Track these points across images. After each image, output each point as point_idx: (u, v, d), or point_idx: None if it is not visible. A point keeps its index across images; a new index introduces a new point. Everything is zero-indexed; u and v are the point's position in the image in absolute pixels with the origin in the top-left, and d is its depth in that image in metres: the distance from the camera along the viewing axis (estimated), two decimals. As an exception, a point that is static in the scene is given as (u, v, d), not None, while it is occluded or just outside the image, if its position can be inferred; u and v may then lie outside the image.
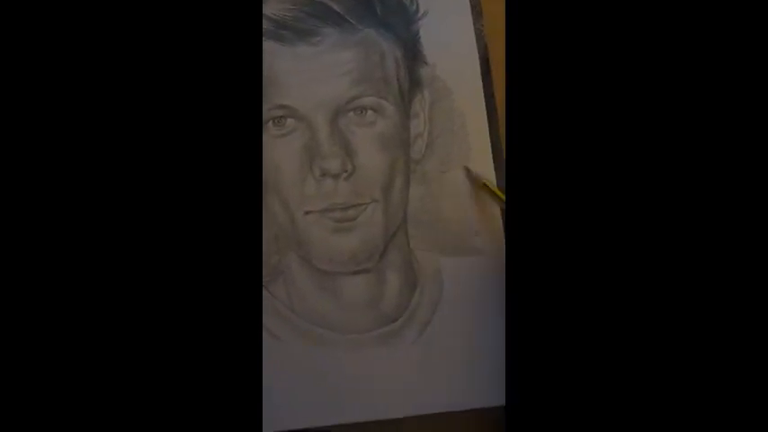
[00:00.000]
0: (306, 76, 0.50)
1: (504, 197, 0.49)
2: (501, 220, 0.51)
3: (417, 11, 0.53)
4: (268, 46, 0.51)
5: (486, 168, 0.52)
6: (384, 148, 0.50)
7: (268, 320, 0.50)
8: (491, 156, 0.52)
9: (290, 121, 0.50)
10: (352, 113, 0.50)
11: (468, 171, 0.52)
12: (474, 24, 0.54)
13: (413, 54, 0.53)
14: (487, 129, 0.52)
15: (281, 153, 0.50)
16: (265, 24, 0.51)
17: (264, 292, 0.50)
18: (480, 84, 0.53)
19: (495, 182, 0.51)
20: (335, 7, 0.51)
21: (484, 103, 0.52)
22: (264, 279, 0.50)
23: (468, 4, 0.54)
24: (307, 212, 0.50)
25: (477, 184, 0.51)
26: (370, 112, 0.50)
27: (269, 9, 0.51)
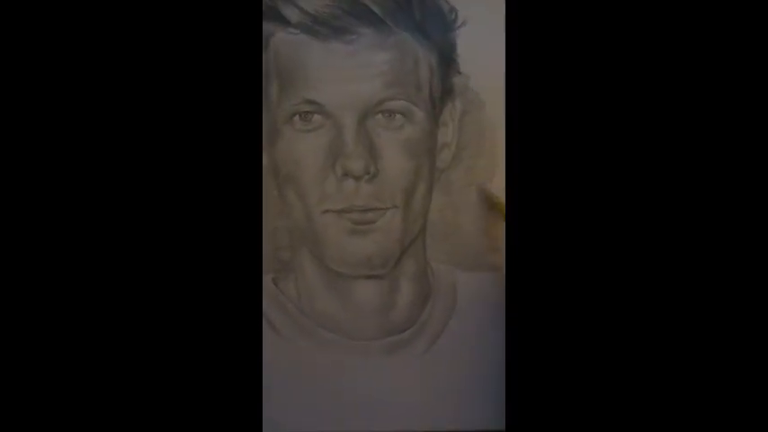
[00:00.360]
0: (337, 73, 0.49)
1: None
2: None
3: (456, 20, 0.52)
4: (301, 39, 0.50)
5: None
6: (409, 153, 0.49)
7: (274, 317, 0.48)
8: (518, 172, 0.51)
9: (316, 117, 0.49)
10: (380, 116, 0.49)
11: (482, 190, 0.50)
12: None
13: (447, 62, 0.51)
14: (517, 144, 0.51)
15: (304, 148, 0.49)
16: (300, 18, 0.50)
17: (273, 288, 0.49)
18: (514, 98, 0.52)
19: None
20: (374, 8, 0.50)
21: (515, 119, 0.51)
22: (274, 274, 0.49)
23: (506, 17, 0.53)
24: (325, 211, 0.49)
25: (489, 202, 0.50)
26: (398, 116, 0.49)
27: (306, 3, 0.50)
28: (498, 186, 0.49)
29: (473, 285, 0.50)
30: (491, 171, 0.51)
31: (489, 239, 0.50)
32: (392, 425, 0.47)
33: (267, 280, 0.49)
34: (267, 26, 0.51)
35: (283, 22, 0.51)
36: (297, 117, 0.49)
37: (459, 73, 0.52)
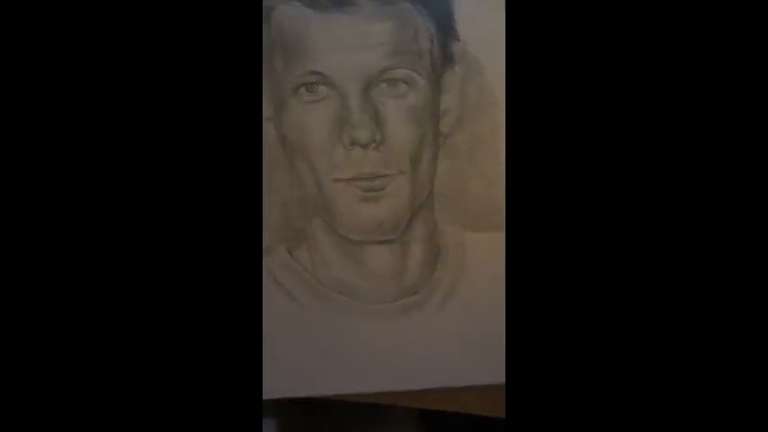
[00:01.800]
0: (340, 44, 0.50)
1: None
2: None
3: (453, -12, 0.53)
4: (302, 11, 0.51)
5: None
6: (414, 120, 0.50)
7: (290, 285, 0.50)
8: (520, 134, 0.52)
9: (321, 88, 0.50)
10: (384, 85, 0.50)
11: None
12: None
13: (446, 30, 0.52)
14: (518, 107, 0.52)
15: (311, 119, 0.50)
16: (301, -10, 0.51)
17: (287, 257, 0.50)
18: (512, 62, 0.53)
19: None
20: None
21: (515, 82, 0.52)
22: (288, 243, 0.50)
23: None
24: (335, 180, 0.50)
25: None
26: (402, 84, 0.50)
27: None
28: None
29: (481, 245, 0.51)
30: (494, 133, 0.52)
31: (495, 200, 0.51)
32: (407, 384, 0.49)
33: (281, 249, 0.50)
34: (267, 1, 0.52)
35: (284, -5, 0.52)
36: (303, 88, 0.50)
37: (458, 40, 0.53)
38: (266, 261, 0.49)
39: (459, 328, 0.50)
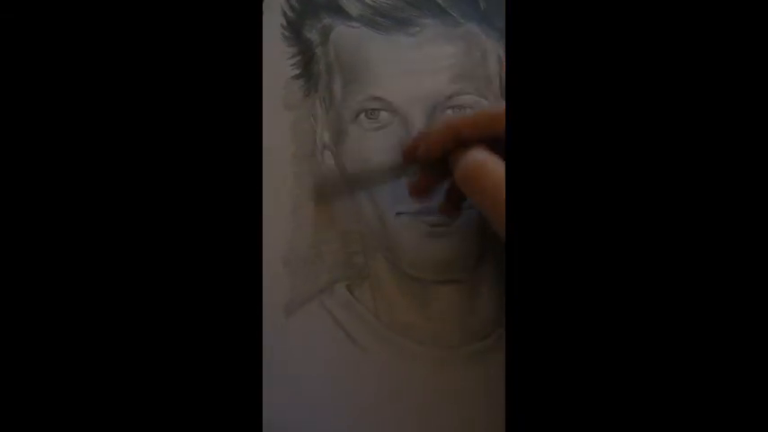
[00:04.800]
0: (402, 67, 0.47)
1: None
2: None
3: (521, 8, 0.50)
4: (363, 32, 0.48)
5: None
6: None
7: (350, 327, 0.46)
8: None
9: (383, 114, 0.47)
10: (450, 111, 0.47)
11: None
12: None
13: (515, 53, 0.49)
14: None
15: (372, 147, 0.47)
16: (361, 10, 0.48)
17: (348, 296, 0.46)
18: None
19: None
20: None
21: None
22: (348, 281, 0.46)
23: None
24: (398, 213, 0.46)
25: None
26: (469, 111, 0.47)
27: None
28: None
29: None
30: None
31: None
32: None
33: (341, 287, 0.46)
34: (326, 20, 0.49)
35: (343, 15, 0.49)
36: (363, 115, 0.47)
37: (529, 63, 0.50)
38: (324, 299, 0.46)
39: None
